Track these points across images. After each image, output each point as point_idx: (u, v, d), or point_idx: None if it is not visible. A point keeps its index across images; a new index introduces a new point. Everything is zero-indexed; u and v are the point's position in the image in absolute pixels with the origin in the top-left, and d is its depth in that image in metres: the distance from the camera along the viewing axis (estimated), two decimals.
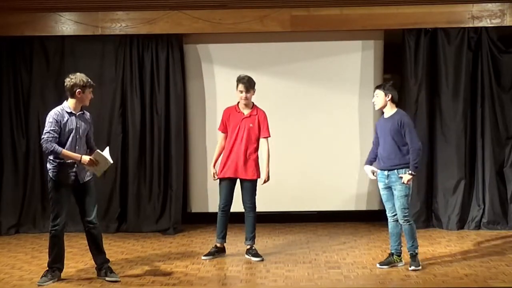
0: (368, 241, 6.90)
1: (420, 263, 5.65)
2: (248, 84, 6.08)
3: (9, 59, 7.62)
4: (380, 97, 5.69)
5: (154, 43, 7.57)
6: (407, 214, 5.59)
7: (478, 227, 7.41)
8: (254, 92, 6.17)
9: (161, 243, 6.84)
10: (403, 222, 5.61)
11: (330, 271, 5.61)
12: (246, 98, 6.11)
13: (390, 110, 5.70)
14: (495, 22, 7.31)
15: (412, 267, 5.59)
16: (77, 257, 6.30)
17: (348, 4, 7.23)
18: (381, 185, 5.75)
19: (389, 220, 5.78)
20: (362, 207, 7.87)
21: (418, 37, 7.48)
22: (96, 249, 5.47)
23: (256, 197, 6.28)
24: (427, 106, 7.52)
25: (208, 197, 7.90)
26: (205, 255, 6.18)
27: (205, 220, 7.94)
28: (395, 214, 5.70)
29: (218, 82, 7.86)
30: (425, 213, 7.55)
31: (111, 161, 5.35)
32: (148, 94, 7.61)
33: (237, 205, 7.87)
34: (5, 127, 7.65)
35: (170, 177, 7.63)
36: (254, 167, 6.14)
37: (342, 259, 6.08)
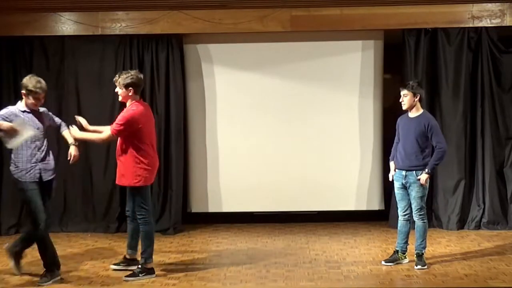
0: (368, 241, 6.90)
1: (426, 263, 5.67)
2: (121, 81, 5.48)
3: (9, 59, 7.62)
4: (409, 97, 5.66)
5: (154, 43, 7.57)
6: (422, 213, 5.66)
7: (478, 227, 7.41)
8: (128, 90, 5.50)
9: (161, 243, 6.83)
10: (418, 219, 5.67)
11: (330, 271, 5.61)
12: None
13: (417, 111, 5.69)
14: (495, 22, 7.32)
15: (419, 266, 5.62)
16: (77, 257, 6.31)
17: (348, 4, 7.23)
18: (397, 184, 5.76)
19: (399, 218, 5.84)
20: (362, 207, 7.87)
21: (418, 37, 7.48)
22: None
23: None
24: (427, 106, 7.50)
25: (208, 197, 7.91)
26: (114, 264, 5.83)
27: (205, 220, 7.96)
28: (407, 214, 5.76)
29: (218, 82, 7.86)
30: (425, 213, 7.54)
31: (32, 132, 5.24)
32: (148, 94, 7.60)
33: (237, 205, 7.92)
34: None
35: (170, 177, 7.63)
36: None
37: (342, 259, 6.08)
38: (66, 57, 7.64)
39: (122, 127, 5.38)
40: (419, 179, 5.56)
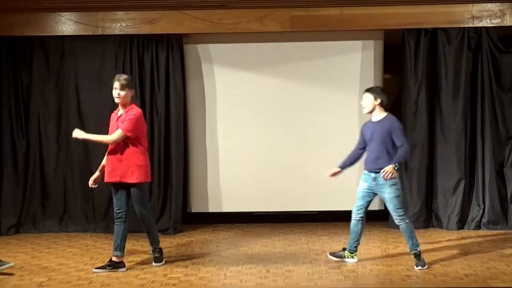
0: (368, 241, 6.90)
1: (426, 262, 5.66)
2: (124, 82, 5.65)
3: (9, 59, 7.63)
4: (369, 101, 5.70)
5: (154, 43, 7.57)
6: (401, 213, 5.63)
7: (478, 227, 7.41)
8: (130, 91, 5.74)
9: (161, 243, 6.79)
10: (399, 222, 5.66)
11: (330, 271, 5.61)
12: (119, 96, 5.68)
13: (379, 115, 5.71)
14: (495, 22, 7.32)
15: (419, 267, 5.60)
16: (77, 257, 6.31)
17: (348, 4, 7.23)
18: (364, 185, 5.79)
19: (352, 217, 5.91)
20: None
21: (418, 37, 7.48)
22: None
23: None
24: (427, 106, 7.52)
25: (208, 197, 7.91)
26: (97, 268, 5.73)
27: (205, 220, 7.96)
28: (359, 214, 5.85)
29: (218, 82, 7.86)
30: (425, 213, 7.56)
31: None
32: (148, 94, 7.61)
33: (237, 205, 7.93)
34: (5, 127, 7.65)
35: (170, 177, 7.63)
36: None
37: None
38: (66, 57, 7.64)
39: (133, 126, 5.60)
40: (384, 173, 5.48)
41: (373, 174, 5.67)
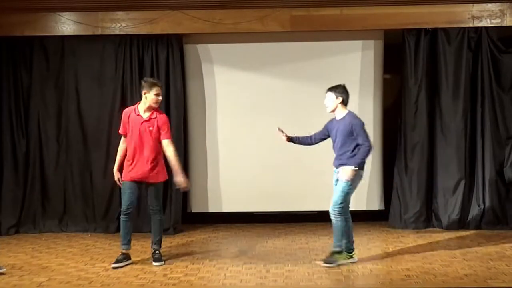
0: (368, 241, 6.90)
1: (335, 264, 5.71)
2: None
3: (9, 59, 7.63)
4: (331, 100, 5.86)
5: (154, 43, 7.57)
6: (339, 208, 5.70)
7: (478, 227, 7.40)
8: None
9: (161, 243, 6.82)
10: (333, 217, 5.75)
11: (330, 271, 5.61)
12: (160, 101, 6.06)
13: (341, 113, 5.83)
14: (495, 22, 7.31)
15: (325, 264, 5.70)
16: (77, 257, 6.31)
17: (348, 4, 7.23)
18: (334, 182, 5.89)
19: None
20: (362, 207, 7.86)
21: (418, 37, 7.48)
22: None
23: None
24: (427, 106, 7.52)
25: (208, 197, 7.91)
26: (114, 263, 5.91)
27: (205, 220, 7.96)
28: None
29: (218, 82, 7.86)
30: (425, 213, 7.55)
31: None
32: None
33: (237, 205, 7.92)
34: (5, 127, 7.65)
35: (170, 177, 7.61)
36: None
37: None
38: (66, 57, 7.64)
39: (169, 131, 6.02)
40: (343, 174, 5.64)
41: (337, 170, 5.81)
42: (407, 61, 7.50)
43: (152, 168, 5.92)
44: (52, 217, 7.68)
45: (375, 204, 7.88)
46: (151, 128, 5.87)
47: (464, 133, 7.46)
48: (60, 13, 7.39)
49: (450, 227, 7.40)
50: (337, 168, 5.81)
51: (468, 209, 7.47)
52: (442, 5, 7.26)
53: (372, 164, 7.83)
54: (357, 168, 5.64)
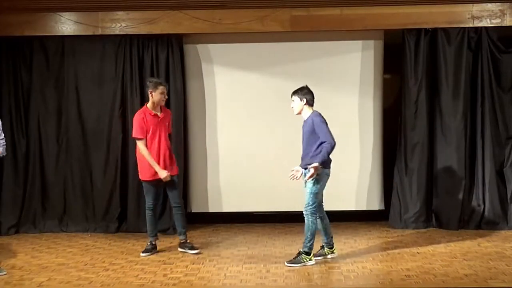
0: (368, 241, 6.90)
1: (300, 265, 5.77)
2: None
3: (9, 59, 7.62)
4: (297, 103, 5.95)
5: (154, 43, 7.57)
6: (310, 208, 5.78)
7: (478, 227, 7.40)
8: None
9: (161, 243, 6.83)
10: (306, 218, 5.82)
11: (330, 271, 5.62)
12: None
13: (307, 113, 5.92)
14: (495, 22, 7.31)
15: (288, 264, 5.79)
16: (77, 257, 6.31)
17: (348, 4, 7.22)
18: (303, 183, 5.95)
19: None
20: (362, 207, 7.87)
21: (418, 37, 7.47)
22: None
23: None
24: (427, 106, 7.52)
25: (208, 197, 7.91)
26: (143, 252, 6.40)
27: (205, 220, 7.96)
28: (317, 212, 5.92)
29: (218, 82, 7.86)
30: (425, 213, 7.55)
31: None
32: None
33: (237, 205, 7.92)
34: (5, 127, 7.61)
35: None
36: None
37: (342, 259, 6.08)
38: (66, 57, 7.63)
39: None
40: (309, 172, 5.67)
41: (303, 170, 5.84)
42: (407, 61, 7.50)
43: (171, 162, 6.37)
44: (52, 217, 7.68)
45: (375, 204, 7.88)
46: (167, 124, 6.42)
47: (464, 133, 7.46)
48: (60, 13, 7.39)
49: (450, 227, 7.39)
50: (304, 169, 5.84)
51: (468, 209, 7.47)
52: (442, 5, 7.26)
53: (372, 164, 7.84)
54: (317, 165, 5.63)
